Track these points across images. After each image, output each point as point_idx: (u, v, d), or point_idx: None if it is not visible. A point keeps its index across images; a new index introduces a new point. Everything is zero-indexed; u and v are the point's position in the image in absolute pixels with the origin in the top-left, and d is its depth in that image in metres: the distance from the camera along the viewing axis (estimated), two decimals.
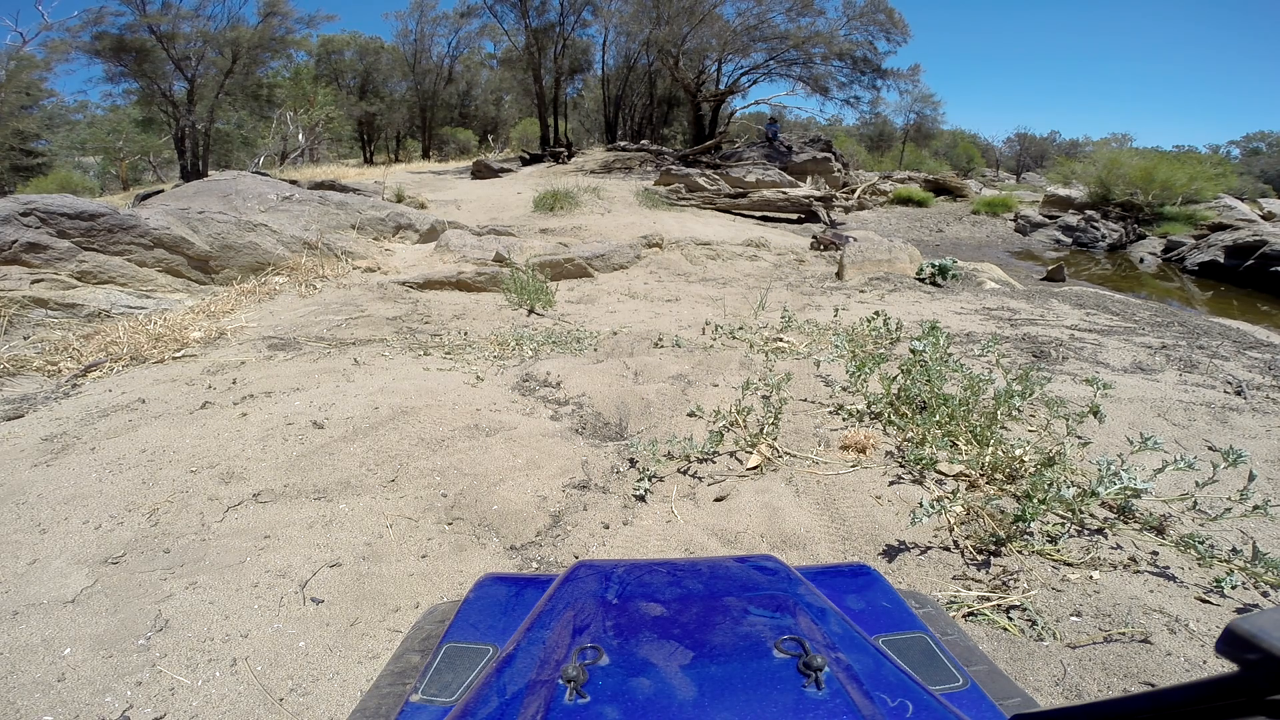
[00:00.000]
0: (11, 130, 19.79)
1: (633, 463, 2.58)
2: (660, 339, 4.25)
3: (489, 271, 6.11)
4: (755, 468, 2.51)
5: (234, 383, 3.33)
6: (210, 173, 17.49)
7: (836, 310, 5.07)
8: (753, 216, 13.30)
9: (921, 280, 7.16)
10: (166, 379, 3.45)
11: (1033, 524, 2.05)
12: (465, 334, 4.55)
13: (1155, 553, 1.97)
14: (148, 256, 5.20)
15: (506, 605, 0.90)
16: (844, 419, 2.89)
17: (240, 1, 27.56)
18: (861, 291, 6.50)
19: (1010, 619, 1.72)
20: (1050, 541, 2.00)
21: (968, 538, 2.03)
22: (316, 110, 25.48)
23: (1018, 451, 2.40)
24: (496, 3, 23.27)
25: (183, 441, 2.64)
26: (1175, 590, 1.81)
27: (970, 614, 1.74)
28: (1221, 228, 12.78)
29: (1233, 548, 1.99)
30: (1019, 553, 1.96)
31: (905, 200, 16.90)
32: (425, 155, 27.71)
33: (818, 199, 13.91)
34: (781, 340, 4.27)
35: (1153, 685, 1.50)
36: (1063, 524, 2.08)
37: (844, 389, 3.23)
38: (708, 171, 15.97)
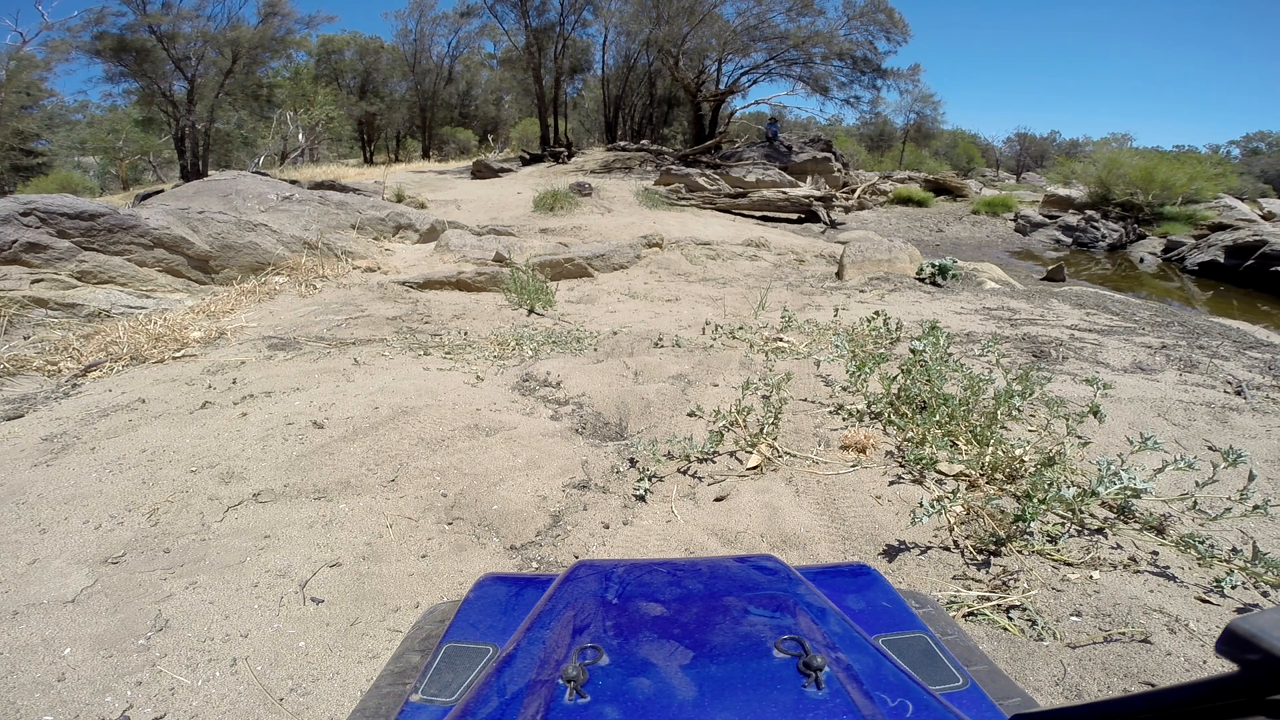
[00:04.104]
0: (11, 130, 19.79)
1: (633, 462, 2.58)
2: (660, 339, 4.25)
3: (489, 271, 6.11)
4: (755, 468, 2.51)
5: (234, 383, 3.33)
6: (210, 173, 17.49)
7: (836, 310, 5.07)
8: (753, 216, 13.30)
9: (921, 280, 7.16)
10: (166, 379, 3.45)
11: (1033, 524, 2.05)
12: (465, 334, 4.55)
13: (1155, 553, 1.97)
14: (148, 256, 5.20)
15: (506, 605, 0.90)
16: (844, 419, 2.89)
17: (240, 1, 27.62)
18: (861, 291, 6.50)
19: (1010, 619, 1.72)
20: (1050, 541, 2.00)
21: (968, 537, 2.03)
22: (316, 110, 25.48)
23: (1018, 451, 2.40)
24: (496, 3, 23.28)
25: (183, 441, 2.64)
26: (1175, 590, 1.81)
27: (970, 614, 1.74)
28: (1221, 228, 12.78)
29: (1233, 548, 1.99)
30: (1019, 553, 1.96)
31: (905, 200, 16.90)
32: (425, 155, 27.70)
33: (818, 199, 13.91)
34: (781, 340, 4.27)
35: (1153, 685, 1.50)
36: (1063, 524, 2.08)
37: (844, 389, 3.23)
38: (708, 171, 15.97)
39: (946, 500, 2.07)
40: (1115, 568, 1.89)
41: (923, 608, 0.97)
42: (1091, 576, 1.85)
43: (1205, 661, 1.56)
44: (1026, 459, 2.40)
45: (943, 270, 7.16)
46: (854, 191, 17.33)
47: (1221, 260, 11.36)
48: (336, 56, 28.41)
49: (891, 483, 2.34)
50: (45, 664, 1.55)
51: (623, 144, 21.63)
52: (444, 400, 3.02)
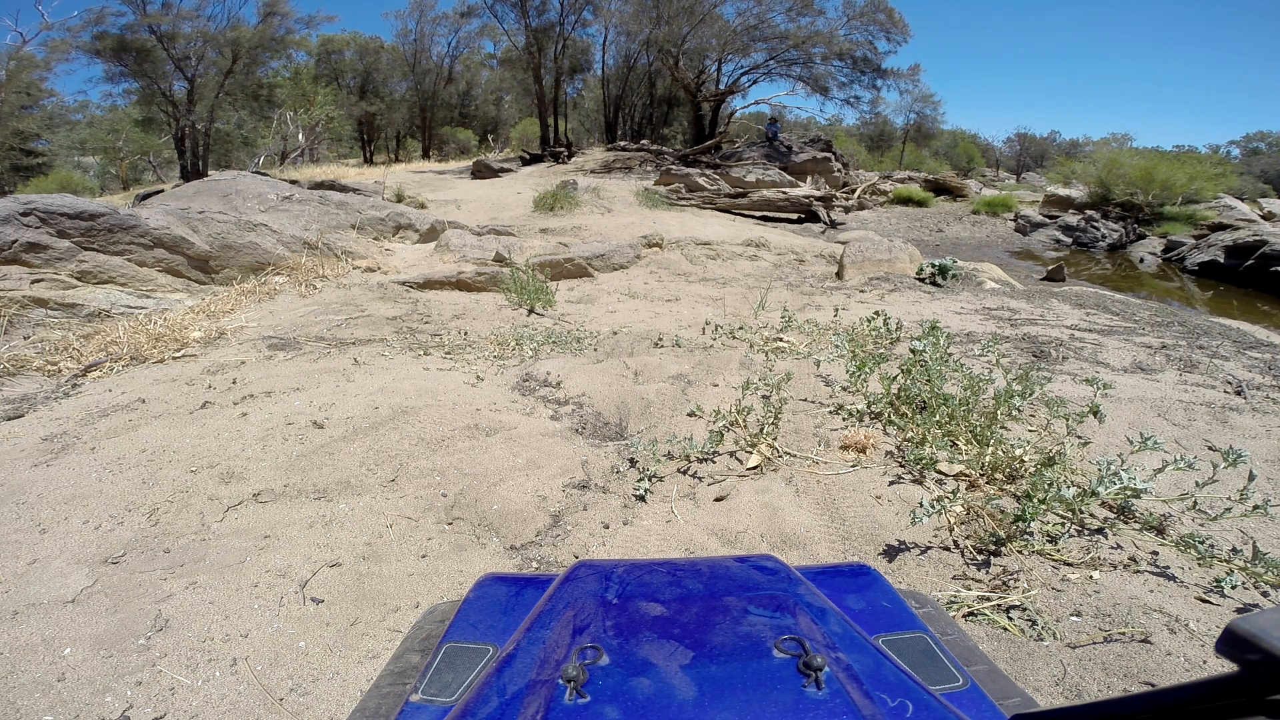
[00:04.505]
0: (11, 130, 19.79)
1: (633, 462, 2.58)
2: (660, 339, 4.25)
3: (489, 271, 6.11)
4: (755, 468, 2.51)
5: (234, 383, 3.33)
6: (210, 173, 17.48)
7: (836, 310, 5.07)
8: (753, 216, 13.30)
9: (921, 280, 7.16)
10: (166, 379, 3.45)
11: (1033, 524, 2.05)
12: (465, 334, 4.55)
13: (1155, 553, 1.97)
14: (148, 256, 5.20)
15: (506, 605, 0.90)
16: (844, 419, 2.89)
17: (240, 1, 27.64)
18: (861, 291, 6.50)
19: (1010, 619, 1.72)
20: (1050, 541, 2.00)
21: (968, 537, 2.03)
22: (316, 110, 25.46)
23: (1018, 451, 2.40)
24: (496, 2, 23.29)
25: (183, 441, 2.64)
26: (1175, 590, 1.81)
27: (970, 614, 1.74)
28: (1221, 228, 12.78)
29: (1233, 548, 1.99)
30: (1019, 553, 1.96)
31: (905, 200, 16.90)
32: (425, 155, 27.70)
33: (818, 199, 13.91)
34: (781, 340, 4.27)
35: (1153, 685, 1.50)
36: (1063, 524, 2.08)
37: (844, 389, 3.23)
38: (708, 171, 15.97)
39: (946, 500, 2.07)
40: (1115, 568, 1.89)
41: (923, 608, 0.97)
42: (1091, 576, 1.85)
43: (1205, 661, 1.56)
44: (1026, 459, 2.40)
45: (943, 270, 7.16)
46: (854, 191, 17.33)
47: (1221, 260, 11.36)
48: (336, 56, 28.41)
49: (891, 483, 2.34)
50: (45, 664, 1.55)
51: (623, 144, 21.63)
52: (444, 400, 3.02)
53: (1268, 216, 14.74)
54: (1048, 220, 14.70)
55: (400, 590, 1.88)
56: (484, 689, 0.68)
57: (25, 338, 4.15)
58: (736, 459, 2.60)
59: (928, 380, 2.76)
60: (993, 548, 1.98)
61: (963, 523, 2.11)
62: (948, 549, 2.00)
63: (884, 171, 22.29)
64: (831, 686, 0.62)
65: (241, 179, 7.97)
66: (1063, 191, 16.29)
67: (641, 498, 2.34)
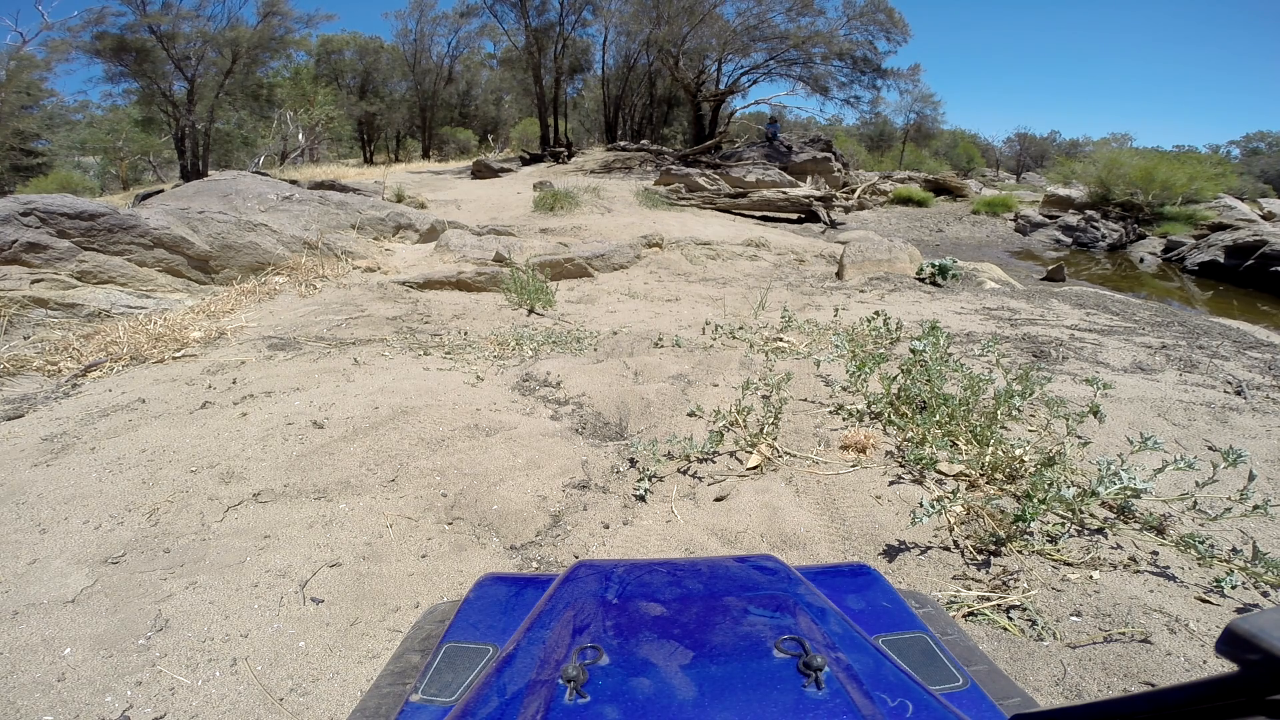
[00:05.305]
0: (11, 130, 19.79)
1: (633, 462, 2.58)
2: (660, 339, 4.25)
3: (489, 271, 6.11)
4: (755, 467, 2.51)
5: (234, 383, 3.33)
6: (210, 173, 17.49)
7: (836, 310, 5.07)
8: (753, 216, 13.30)
9: (921, 280, 7.16)
10: (166, 379, 3.45)
11: (1033, 524, 2.05)
12: (465, 334, 4.55)
13: (1155, 553, 1.97)
14: (148, 256, 5.20)
15: (506, 605, 0.90)
16: (844, 419, 2.89)
17: (240, 1, 27.66)
18: (861, 291, 6.50)
19: (1010, 619, 1.72)
20: (1050, 541, 2.00)
21: (968, 537, 2.03)
22: (316, 110, 25.46)
23: (1018, 451, 2.40)
24: (496, 2, 23.31)
25: (183, 441, 2.64)
26: (1175, 590, 1.81)
27: (970, 614, 1.74)
28: (1221, 227, 12.78)
29: (1233, 548, 1.99)
30: (1019, 553, 1.96)
31: (905, 200, 16.89)
32: (425, 155, 27.71)
33: (818, 199, 13.90)
34: (781, 340, 4.27)
35: (1153, 685, 1.50)
36: (1063, 524, 2.08)
37: (844, 389, 3.23)
38: (708, 171, 15.97)
39: (946, 500, 2.07)
40: (1115, 568, 1.89)
41: (923, 608, 0.97)
42: (1091, 576, 1.85)
43: (1205, 661, 1.56)
44: (1026, 459, 2.40)
45: (943, 270, 7.16)
46: (854, 191, 17.33)
47: (1221, 260, 11.36)
48: (336, 56, 28.43)
49: (891, 483, 2.34)
50: (45, 664, 1.55)
51: (623, 144, 21.64)
52: (444, 400, 3.02)
53: (1268, 216, 14.74)
54: (1048, 220, 14.70)
55: (400, 590, 1.88)
56: (484, 689, 0.68)
57: (25, 338, 4.15)
58: (736, 459, 2.60)
59: (928, 380, 2.76)
60: (993, 548, 1.98)
61: (963, 523, 2.11)
62: (948, 549, 2.00)
63: (884, 171, 22.29)
64: (831, 686, 0.62)
65: (241, 179, 7.96)
66: (1063, 191, 16.28)
67: (641, 498, 2.34)
